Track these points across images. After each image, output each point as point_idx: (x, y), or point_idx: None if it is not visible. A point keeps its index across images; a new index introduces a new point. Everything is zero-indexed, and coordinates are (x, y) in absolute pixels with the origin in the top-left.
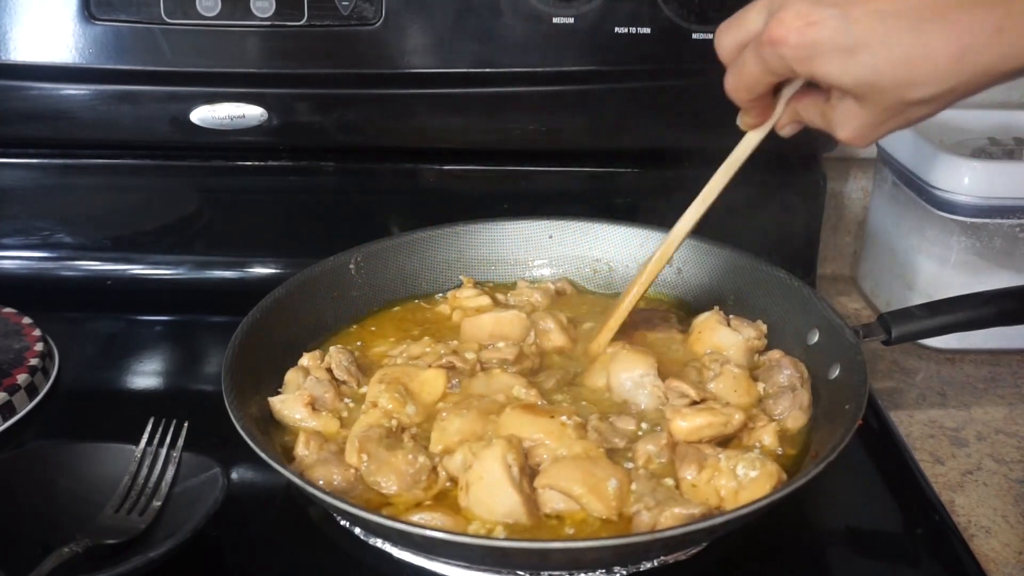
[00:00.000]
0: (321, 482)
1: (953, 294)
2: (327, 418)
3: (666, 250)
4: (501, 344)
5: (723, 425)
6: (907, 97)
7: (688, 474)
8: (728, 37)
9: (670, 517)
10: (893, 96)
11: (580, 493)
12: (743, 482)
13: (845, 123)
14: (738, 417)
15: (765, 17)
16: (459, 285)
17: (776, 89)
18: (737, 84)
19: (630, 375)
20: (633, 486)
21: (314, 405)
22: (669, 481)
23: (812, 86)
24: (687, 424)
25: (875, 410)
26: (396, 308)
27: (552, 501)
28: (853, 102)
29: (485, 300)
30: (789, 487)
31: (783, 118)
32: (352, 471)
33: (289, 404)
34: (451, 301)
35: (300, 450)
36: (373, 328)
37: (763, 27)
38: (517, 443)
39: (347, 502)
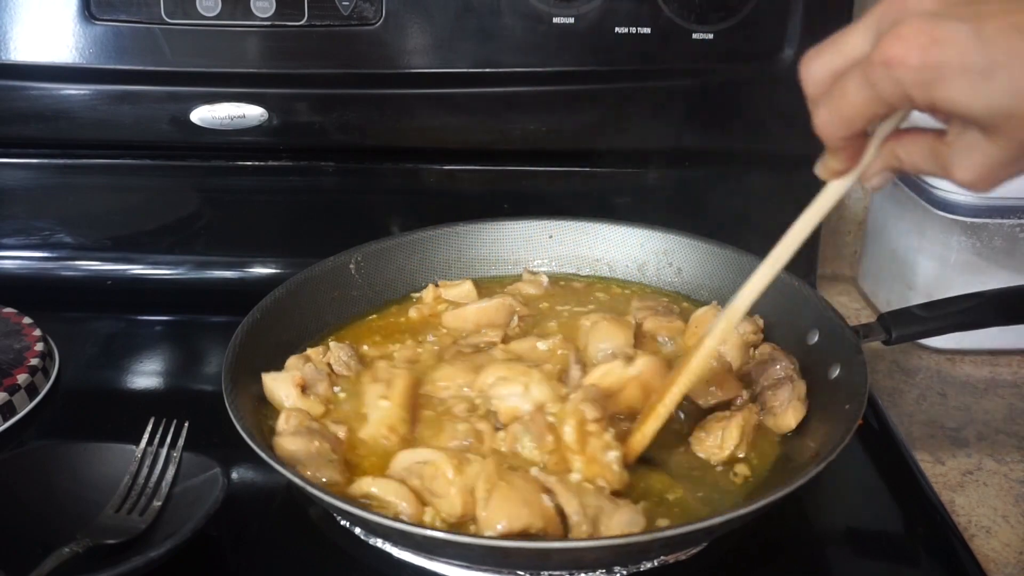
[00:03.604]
0: (293, 450)
1: (953, 294)
2: (314, 402)
3: (722, 335)
4: (486, 331)
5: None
6: None
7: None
8: (820, 64)
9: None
10: None
11: (531, 521)
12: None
13: (967, 162)
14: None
15: (872, 38)
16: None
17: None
18: (832, 118)
19: (608, 345)
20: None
21: (304, 388)
22: (575, 476)
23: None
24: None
25: (875, 410)
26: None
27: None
28: (979, 136)
29: (468, 286)
30: (789, 487)
31: (875, 164)
32: (315, 445)
33: (280, 381)
34: (425, 303)
35: (280, 423)
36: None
37: (871, 49)
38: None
39: (347, 502)
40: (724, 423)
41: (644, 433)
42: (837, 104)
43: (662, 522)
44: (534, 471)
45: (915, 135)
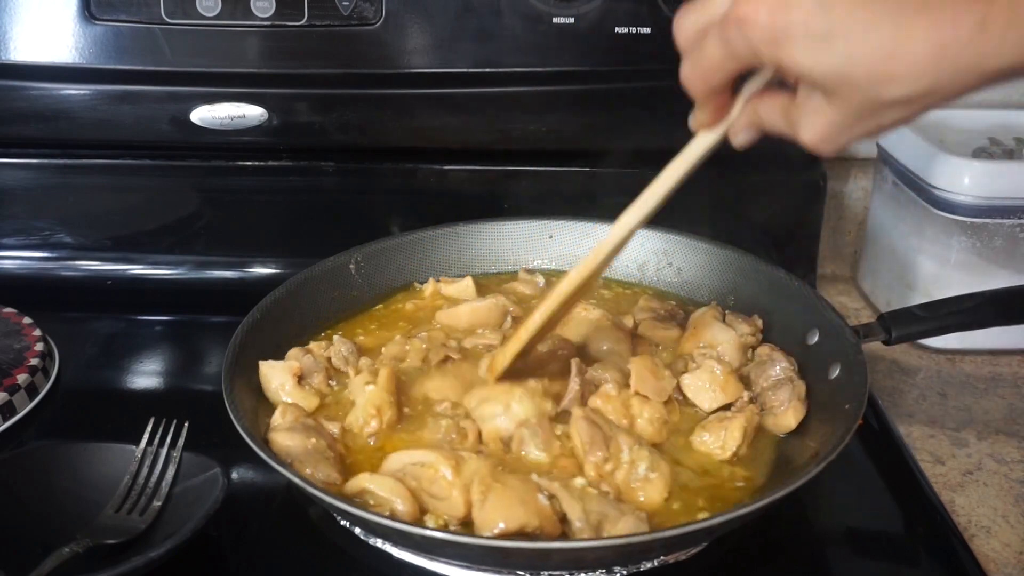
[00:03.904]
0: (290, 445)
1: (953, 294)
2: (309, 394)
3: (591, 267)
4: (483, 331)
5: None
6: (882, 95)
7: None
8: (689, 20)
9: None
10: (867, 92)
11: (529, 520)
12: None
13: (811, 124)
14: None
15: (729, 0)
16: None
17: (735, 88)
18: (694, 71)
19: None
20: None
21: (300, 378)
22: (579, 481)
23: (775, 86)
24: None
25: (875, 410)
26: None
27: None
28: (821, 99)
29: (467, 283)
30: (789, 487)
31: (740, 121)
32: (311, 442)
33: (277, 369)
34: (424, 296)
35: (275, 418)
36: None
37: (729, 6)
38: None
39: (347, 502)
40: (726, 424)
41: (505, 353)
42: (698, 58)
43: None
44: (535, 477)
45: (773, 96)
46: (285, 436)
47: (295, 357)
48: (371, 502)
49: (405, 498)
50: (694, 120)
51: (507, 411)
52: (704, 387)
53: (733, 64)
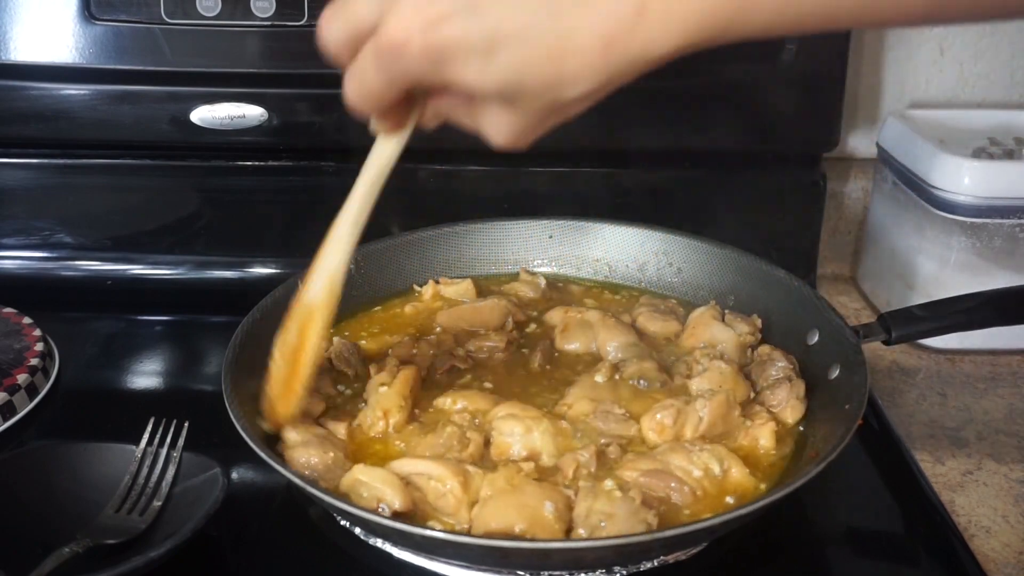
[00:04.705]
0: (301, 461)
1: (953, 294)
2: (313, 400)
3: (328, 303)
4: (484, 331)
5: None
6: (560, 97)
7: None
8: (336, 28)
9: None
10: (544, 97)
11: (524, 528)
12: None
13: (495, 129)
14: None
15: (377, 9)
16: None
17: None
18: (358, 96)
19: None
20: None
21: None
22: (609, 483)
23: None
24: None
25: (875, 410)
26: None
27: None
28: (500, 107)
29: (467, 285)
30: (789, 487)
31: (425, 118)
32: (331, 455)
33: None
34: (423, 299)
35: (288, 434)
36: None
37: (377, 22)
38: None
39: (347, 502)
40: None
41: (291, 403)
42: (360, 85)
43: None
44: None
45: (451, 96)
46: (302, 452)
47: None
48: (364, 494)
49: (397, 488)
50: (374, 126)
51: (526, 434)
52: (717, 388)
53: (399, 89)
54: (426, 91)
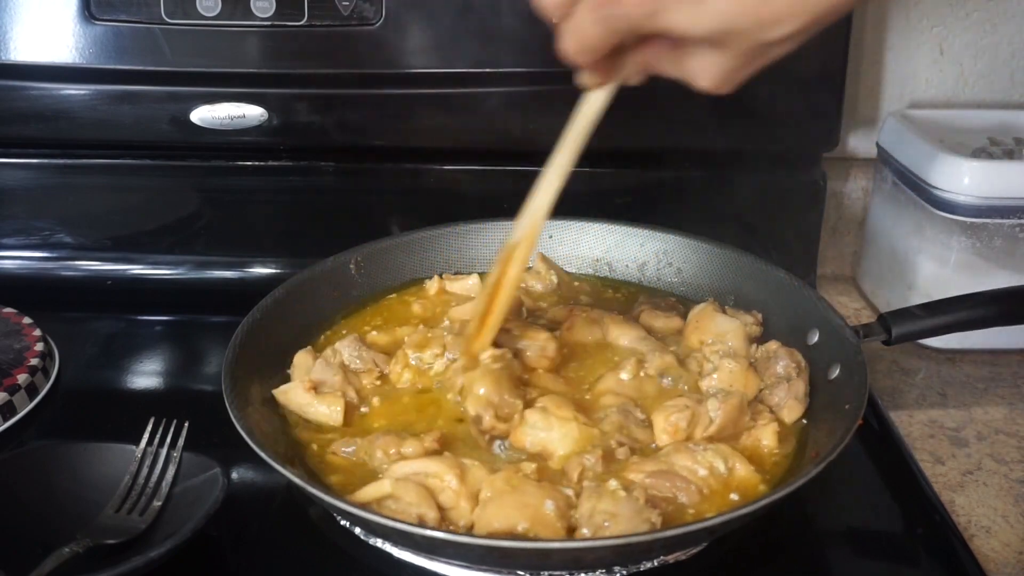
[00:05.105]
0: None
1: (953, 294)
2: (332, 398)
3: (529, 239)
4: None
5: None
6: (768, 36)
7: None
8: None
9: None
10: (751, 38)
11: (526, 527)
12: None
13: (704, 72)
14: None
15: None
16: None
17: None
18: (574, 47)
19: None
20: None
21: (318, 389)
22: (612, 483)
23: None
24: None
25: (875, 410)
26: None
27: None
28: (710, 50)
29: (473, 280)
30: (789, 487)
31: (630, 71)
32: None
33: (291, 394)
34: (428, 296)
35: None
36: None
37: None
38: None
39: (347, 502)
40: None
41: (489, 326)
42: (578, 38)
43: None
44: (565, 489)
45: (660, 45)
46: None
47: (302, 364)
48: (392, 507)
49: (430, 504)
50: (582, 80)
51: (547, 433)
52: (730, 386)
53: (614, 39)
54: (635, 42)
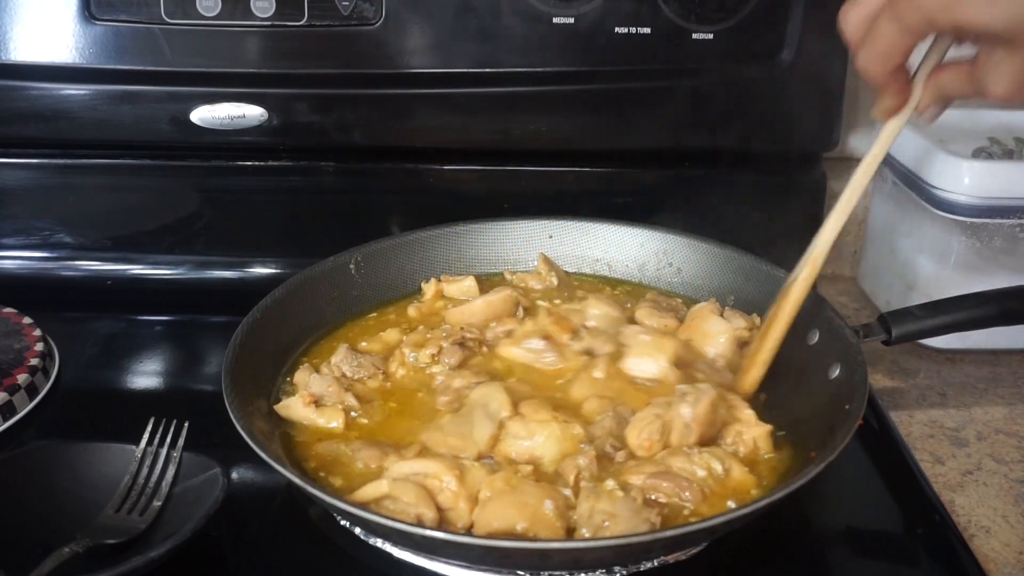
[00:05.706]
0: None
1: (953, 294)
2: (332, 410)
3: (812, 269)
4: (494, 324)
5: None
6: None
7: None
8: (855, 12)
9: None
10: None
11: (525, 527)
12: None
13: (999, 77)
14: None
15: None
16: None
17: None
18: (871, 56)
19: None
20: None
21: (318, 402)
22: (610, 483)
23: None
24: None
25: (875, 410)
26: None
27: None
28: (1003, 51)
29: (469, 282)
30: (789, 487)
31: (924, 98)
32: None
33: (292, 408)
34: (425, 299)
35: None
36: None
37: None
38: None
39: (347, 502)
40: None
41: (760, 362)
42: (873, 43)
43: None
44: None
45: (952, 66)
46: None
47: (302, 382)
48: (390, 507)
49: (429, 504)
50: (879, 110)
51: (530, 440)
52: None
53: (909, 39)
54: (928, 68)
